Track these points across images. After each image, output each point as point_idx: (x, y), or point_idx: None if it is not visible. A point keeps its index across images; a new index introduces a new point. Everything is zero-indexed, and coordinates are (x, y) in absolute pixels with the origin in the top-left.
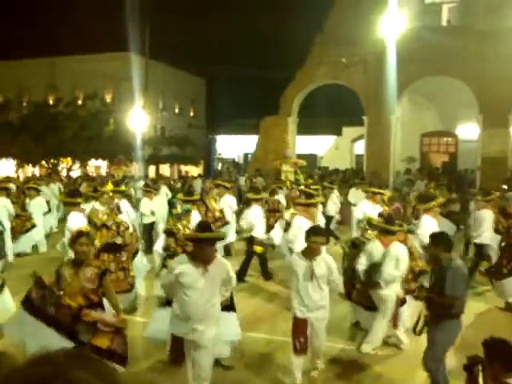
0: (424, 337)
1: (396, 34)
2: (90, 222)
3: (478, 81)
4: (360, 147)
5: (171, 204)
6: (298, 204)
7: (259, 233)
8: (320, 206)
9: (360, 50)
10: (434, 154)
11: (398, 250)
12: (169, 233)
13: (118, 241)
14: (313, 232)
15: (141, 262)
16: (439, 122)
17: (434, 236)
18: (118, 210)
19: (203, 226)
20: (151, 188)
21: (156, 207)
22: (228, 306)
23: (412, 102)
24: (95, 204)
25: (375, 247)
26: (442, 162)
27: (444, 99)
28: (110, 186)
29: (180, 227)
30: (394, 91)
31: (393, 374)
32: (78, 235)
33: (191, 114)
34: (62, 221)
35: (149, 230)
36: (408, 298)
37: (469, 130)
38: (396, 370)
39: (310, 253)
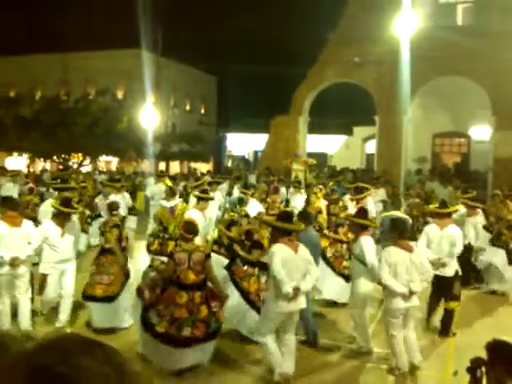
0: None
1: (410, 34)
2: None
3: (491, 82)
4: (371, 146)
5: None
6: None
7: None
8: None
9: (373, 49)
10: (446, 155)
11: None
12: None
13: None
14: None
15: None
16: (452, 122)
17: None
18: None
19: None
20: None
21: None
22: None
23: (424, 102)
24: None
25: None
26: (454, 162)
27: (457, 100)
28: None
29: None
30: (407, 91)
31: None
32: None
33: (202, 111)
34: None
35: None
36: None
37: (481, 131)
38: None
39: None
